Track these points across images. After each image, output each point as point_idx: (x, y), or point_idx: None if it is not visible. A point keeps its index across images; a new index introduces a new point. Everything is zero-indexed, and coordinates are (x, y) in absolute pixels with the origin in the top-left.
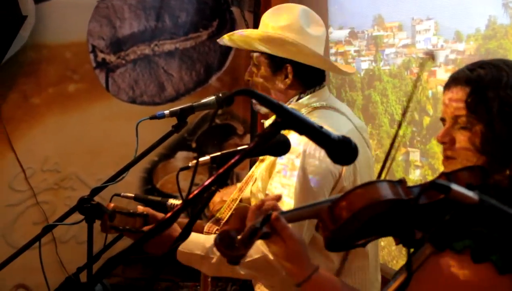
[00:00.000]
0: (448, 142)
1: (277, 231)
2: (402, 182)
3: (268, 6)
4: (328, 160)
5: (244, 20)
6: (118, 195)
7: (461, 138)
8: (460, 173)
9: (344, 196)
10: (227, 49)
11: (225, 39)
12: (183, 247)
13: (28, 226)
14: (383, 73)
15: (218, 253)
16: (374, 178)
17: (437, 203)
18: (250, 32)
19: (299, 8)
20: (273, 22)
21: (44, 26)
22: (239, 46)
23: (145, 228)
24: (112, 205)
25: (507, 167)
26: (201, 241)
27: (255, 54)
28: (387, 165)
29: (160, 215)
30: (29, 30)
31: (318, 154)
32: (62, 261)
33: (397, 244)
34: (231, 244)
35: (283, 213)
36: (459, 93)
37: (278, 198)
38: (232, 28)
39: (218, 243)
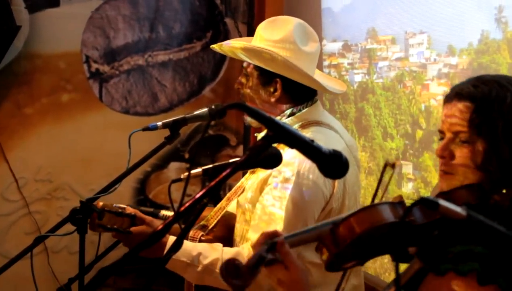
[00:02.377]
0: (447, 156)
1: (281, 257)
2: (402, 203)
3: (262, 17)
4: (320, 182)
5: (237, 31)
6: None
7: (461, 154)
8: (459, 191)
9: (346, 219)
10: (220, 60)
11: (215, 47)
12: None
13: (20, 236)
14: (376, 86)
15: (204, 262)
16: (360, 197)
17: (434, 222)
18: (235, 42)
19: (294, 22)
20: (267, 35)
21: (38, 36)
22: (233, 56)
23: (132, 229)
24: (101, 203)
25: (508, 186)
26: (187, 248)
27: (246, 65)
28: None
29: (148, 218)
30: (23, 40)
31: (312, 176)
32: (54, 271)
33: (393, 260)
34: (237, 273)
35: (286, 238)
36: (462, 109)
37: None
38: (226, 39)
39: (223, 272)
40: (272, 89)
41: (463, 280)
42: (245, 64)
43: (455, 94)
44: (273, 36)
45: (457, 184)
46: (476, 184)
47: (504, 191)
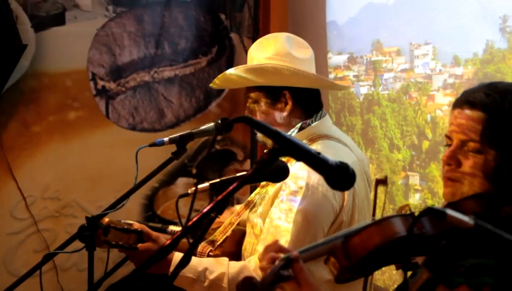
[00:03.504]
0: (454, 164)
1: (295, 273)
2: (412, 214)
3: (267, 31)
4: (330, 194)
5: (243, 46)
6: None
7: (470, 163)
8: (466, 201)
9: (358, 233)
10: None
11: (216, 83)
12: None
13: (29, 254)
14: (382, 98)
15: (210, 277)
16: (370, 211)
17: (443, 233)
18: (239, 70)
19: (283, 35)
20: (260, 54)
21: (44, 54)
22: (231, 86)
23: (139, 245)
24: (107, 219)
25: None
26: (194, 264)
27: (251, 93)
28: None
29: (154, 234)
30: (29, 58)
31: (321, 188)
32: (63, 289)
33: (397, 269)
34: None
35: (301, 252)
36: (474, 117)
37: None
38: (231, 54)
39: (240, 290)
40: (283, 105)
41: None
42: (250, 94)
43: (466, 101)
44: (266, 53)
45: (463, 191)
46: (485, 193)
47: None
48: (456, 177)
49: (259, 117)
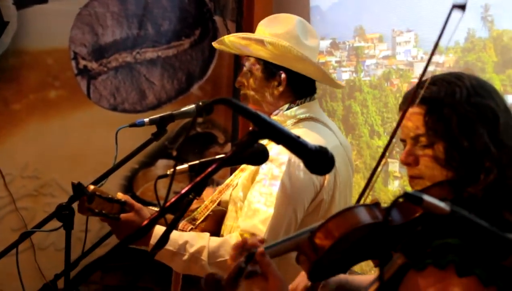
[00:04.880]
0: (412, 162)
1: (261, 268)
2: (377, 204)
3: (250, 15)
4: None
5: (226, 29)
6: None
7: (425, 157)
8: (431, 189)
9: (323, 225)
10: (209, 58)
11: (223, 41)
12: (155, 240)
13: (7, 232)
14: (364, 84)
15: (190, 250)
16: (351, 197)
17: (414, 221)
18: (250, 35)
19: (295, 18)
20: (270, 29)
21: (26, 32)
22: (234, 50)
23: (122, 216)
24: (92, 187)
25: (477, 179)
26: (174, 237)
27: (248, 62)
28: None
29: (137, 205)
30: (11, 36)
31: (302, 165)
32: (40, 268)
33: (375, 266)
34: (217, 287)
35: (266, 248)
36: (415, 112)
37: (262, 240)
38: (215, 37)
39: (203, 286)
40: (276, 83)
41: (443, 273)
42: (247, 63)
43: (406, 100)
44: (276, 30)
45: (428, 186)
46: (444, 180)
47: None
48: (417, 174)
49: (250, 90)
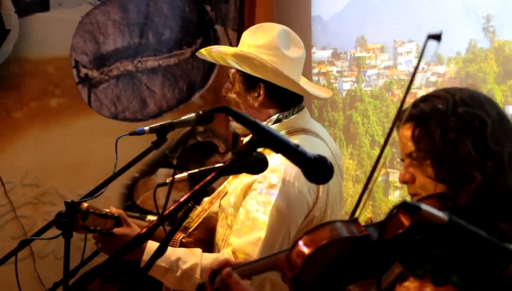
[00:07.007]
0: (409, 180)
1: (230, 287)
2: (355, 221)
3: (252, 24)
4: (305, 190)
5: (227, 38)
6: None
7: (418, 174)
8: (427, 200)
9: (297, 242)
10: (210, 67)
11: (202, 53)
12: (147, 257)
13: (7, 240)
14: (365, 94)
15: (183, 267)
16: (342, 206)
17: (402, 235)
18: (225, 48)
19: (278, 28)
20: (250, 40)
21: (27, 40)
22: (216, 61)
23: (116, 230)
24: (86, 204)
25: (464, 187)
26: (167, 253)
27: (231, 71)
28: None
29: (129, 220)
30: (12, 44)
31: (297, 183)
32: (40, 276)
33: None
34: None
35: (235, 268)
36: (406, 130)
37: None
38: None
39: None
40: (256, 94)
41: (419, 283)
42: (230, 71)
43: (399, 119)
44: (256, 41)
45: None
46: (436, 193)
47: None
48: (416, 192)
49: (234, 97)
